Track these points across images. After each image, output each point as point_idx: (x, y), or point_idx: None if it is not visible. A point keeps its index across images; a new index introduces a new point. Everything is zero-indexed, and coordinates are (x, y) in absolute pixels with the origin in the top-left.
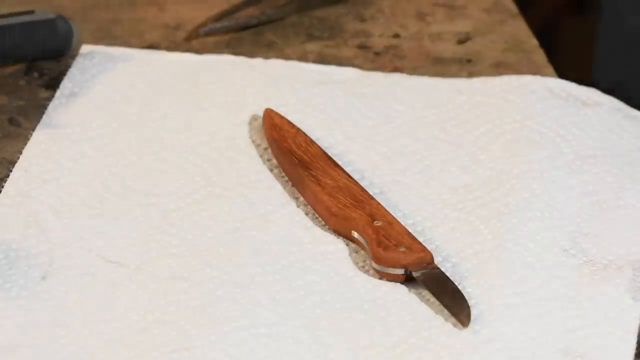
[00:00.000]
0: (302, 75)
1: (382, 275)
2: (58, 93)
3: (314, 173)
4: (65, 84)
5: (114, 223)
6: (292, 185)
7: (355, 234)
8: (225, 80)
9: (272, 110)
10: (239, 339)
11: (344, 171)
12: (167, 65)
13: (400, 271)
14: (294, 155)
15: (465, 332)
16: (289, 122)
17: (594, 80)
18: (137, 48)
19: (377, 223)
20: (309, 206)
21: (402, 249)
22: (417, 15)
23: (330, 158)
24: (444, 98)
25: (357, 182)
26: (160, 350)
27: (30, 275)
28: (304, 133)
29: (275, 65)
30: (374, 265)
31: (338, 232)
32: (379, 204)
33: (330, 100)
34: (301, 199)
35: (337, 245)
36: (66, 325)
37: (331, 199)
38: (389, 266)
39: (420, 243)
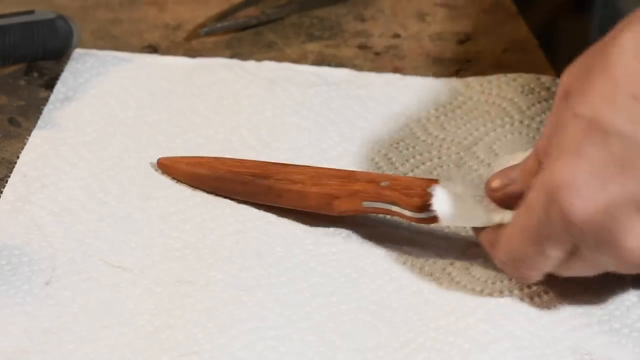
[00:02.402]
0: (297, 77)
1: (428, 222)
2: (52, 97)
3: (278, 177)
4: (59, 88)
5: (115, 227)
6: (260, 205)
7: (367, 204)
8: (220, 83)
9: (166, 157)
10: (246, 342)
11: (298, 165)
12: (161, 69)
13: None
14: (243, 174)
15: (474, 332)
16: (195, 157)
17: None
18: (137, 48)
19: (385, 183)
20: (292, 212)
21: (430, 189)
22: (417, 15)
23: (273, 162)
24: (439, 97)
25: (321, 166)
26: (169, 355)
27: (34, 280)
28: (220, 157)
29: (269, 68)
30: (417, 215)
31: (345, 213)
32: (362, 171)
33: (326, 102)
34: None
35: (339, 247)
36: (72, 330)
37: (321, 187)
38: (431, 208)
39: (429, 179)
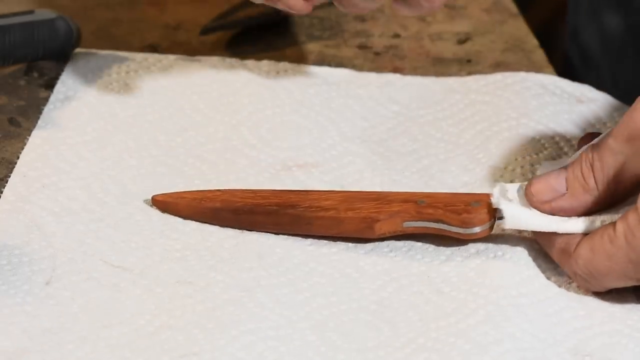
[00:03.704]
0: (296, 77)
1: (477, 236)
2: (52, 97)
3: (305, 205)
4: (59, 88)
5: (115, 227)
6: (285, 234)
7: (408, 224)
8: (220, 81)
9: (162, 194)
10: (247, 343)
11: (320, 191)
12: (161, 68)
13: (491, 221)
14: (264, 205)
15: (475, 333)
16: (196, 191)
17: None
18: (137, 48)
19: (422, 202)
20: (325, 240)
21: (474, 204)
22: (417, 15)
23: (290, 190)
24: (438, 97)
25: (344, 190)
26: (169, 355)
27: (34, 280)
28: (227, 189)
29: (269, 66)
30: (467, 231)
31: (384, 235)
32: (392, 192)
33: (326, 101)
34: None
35: (339, 247)
36: (73, 330)
37: (356, 210)
38: (482, 223)
39: (471, 193)
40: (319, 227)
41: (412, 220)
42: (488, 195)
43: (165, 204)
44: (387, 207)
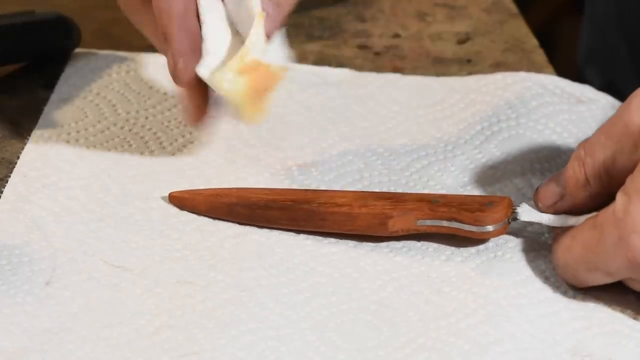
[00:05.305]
0: (297, 77)
1: (490, 236)
2: (53, 97)
3: (320, 201)
4: (59, 88)
5: (116, 227)
6: (297, 230)
7: (421, 222)
8: None
9: (179, 191)
10: (247, 342)
11: (335, 190)
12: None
13: (504, 221)
14: (279, 202)
15: (474, 333)
16: (212, 188)
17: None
18: (137, 48)
19: (436, 201)
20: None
21: (488, 205)
22: (417, 15)
23: (307, 189)
24: (438, 97)
25: (361, 190)
26: (169, 355)
27: (34, 280)
28: (243, 187)
29: None
30: (482, 229)
31: (397, 233)
32: (407, 192)
33: (326, 101)
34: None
35: (339, 247)
36: (73, 330)
37: (370, 207)
38: (496, 222)
39: (485, 195)
40: (332, 222)
41: (425, 219)
42: (503, 198)
43: (182, 199)
44: (401, 205)
